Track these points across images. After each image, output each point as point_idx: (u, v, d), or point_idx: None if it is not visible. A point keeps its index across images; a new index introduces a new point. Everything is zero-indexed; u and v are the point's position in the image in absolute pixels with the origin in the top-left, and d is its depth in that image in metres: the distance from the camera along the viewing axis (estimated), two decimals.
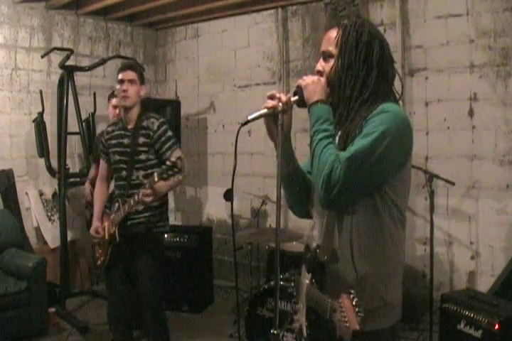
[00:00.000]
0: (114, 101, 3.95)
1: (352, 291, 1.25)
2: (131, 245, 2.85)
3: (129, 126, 2.87)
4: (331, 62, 1.50)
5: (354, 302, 1.22)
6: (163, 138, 2.80)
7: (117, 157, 2.89)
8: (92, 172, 4.13)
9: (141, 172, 2.81)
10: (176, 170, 2.41)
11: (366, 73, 1.46)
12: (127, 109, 2.86)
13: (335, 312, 1.28)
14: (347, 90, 1.47)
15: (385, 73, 1.49)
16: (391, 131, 1.36)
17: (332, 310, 1.30)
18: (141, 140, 2.81)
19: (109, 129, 2.99)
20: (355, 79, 1.46)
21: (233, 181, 1.55)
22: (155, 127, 2.80)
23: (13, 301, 3.51)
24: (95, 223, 2.95)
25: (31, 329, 3.59)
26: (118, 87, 2.86)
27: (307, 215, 1.67)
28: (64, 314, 4.00)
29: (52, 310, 3.87)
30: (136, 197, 2.62)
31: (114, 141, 2.92)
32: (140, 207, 2.77)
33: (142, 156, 2.80)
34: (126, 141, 2.86)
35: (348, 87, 1.47)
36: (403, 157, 1.43)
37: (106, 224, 2.91)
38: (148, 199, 2.59)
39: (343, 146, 1.42)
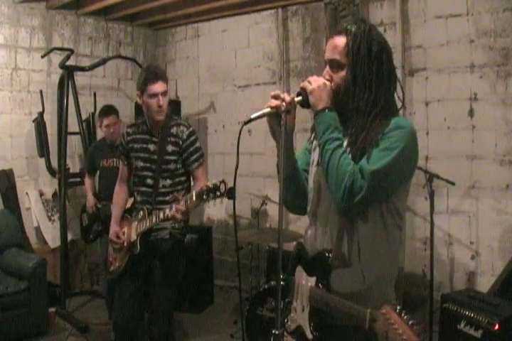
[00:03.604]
0: (105, 121, 3.90)
1: (395, 302, 1.26)
2: (149, 253, 2.67)
3: (155, 131, 2.69)
4: (341, 72, 1.49)
5: (403, 315, 1.22)
6: (192, 149, 2.66)
7: (141, 163, 2.71)
8: (88, 183, 4.08)
9: (168, 182, 2.67)
10: (218, 193, 2.23)
11: (377, 85, 1.46)
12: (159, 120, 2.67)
13: (375, 321, 1.27)
14: (361, 102, 1.46)
15: (393, 83, 1.51)
16: (408, 147, 1.43)
17: (372, 320, 1.29)
18: (170, 148, 2.64)
19: (129, 131, 2.77)
20: (369, 91, 1.46)
21: (235, 179, 1.55)
22: (184, 136, 2.64)
23: (13, 301, 3.51)
24: (114, 227, 2.77)
25: (31, 329, 3.59)
26: (145, 99, 2.59)
27: (301, 212, 1.71)
28: (64, 314, 4.00)
29: (52, 310, 3.88)
30: (168, 212, 2.43)
31: (137, 146, 2.73)
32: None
33: (171, 166, 2.65)
34: (152, 147, 2.68)
35: (361, 100, 1.46)
36: (412, 169, 1.51)
37: (126, 229, 2.72)
38: (180, 217, 2.39)
39: (354, 156, 1.44)
